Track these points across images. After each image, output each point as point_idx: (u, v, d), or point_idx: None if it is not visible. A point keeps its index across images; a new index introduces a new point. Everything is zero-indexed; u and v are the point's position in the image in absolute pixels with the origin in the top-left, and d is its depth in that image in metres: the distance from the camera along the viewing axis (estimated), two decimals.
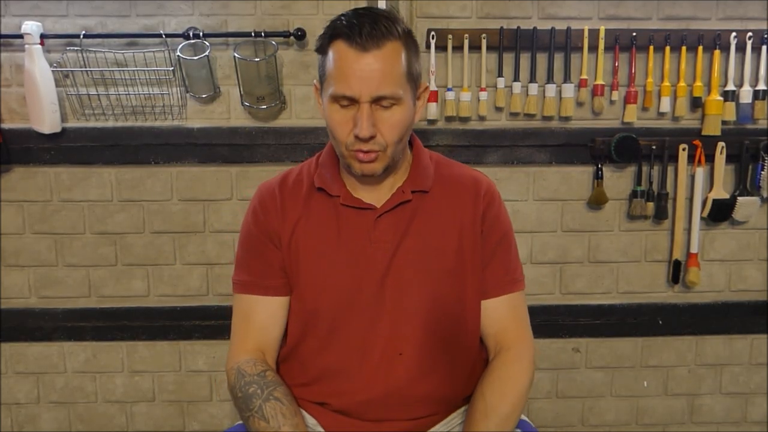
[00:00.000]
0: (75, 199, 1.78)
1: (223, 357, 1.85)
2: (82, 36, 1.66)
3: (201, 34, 1.66)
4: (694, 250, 1.82)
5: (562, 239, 1.85)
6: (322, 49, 0.98)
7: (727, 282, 1.89)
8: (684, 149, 1.76)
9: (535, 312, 1.82)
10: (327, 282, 1.04)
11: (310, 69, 1.74)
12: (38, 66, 1.63)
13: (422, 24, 1.72)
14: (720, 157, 1.77)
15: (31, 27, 1.62)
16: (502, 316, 1.07)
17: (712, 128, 1.76)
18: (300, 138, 1.75)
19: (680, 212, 1.81)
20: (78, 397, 1.88)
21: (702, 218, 1.83)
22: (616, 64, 1.74)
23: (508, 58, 1.74)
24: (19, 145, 1.73)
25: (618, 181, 1.82)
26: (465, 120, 1.77)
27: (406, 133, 1.00)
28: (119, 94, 1.73)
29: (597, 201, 1.79)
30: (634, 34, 1.72)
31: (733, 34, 1.72)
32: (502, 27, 1.71)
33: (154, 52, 1.68)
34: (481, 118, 1.77)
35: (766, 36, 1.73)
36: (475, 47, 1.72)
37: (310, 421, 1.07)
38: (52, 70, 1.67)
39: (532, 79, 1.74)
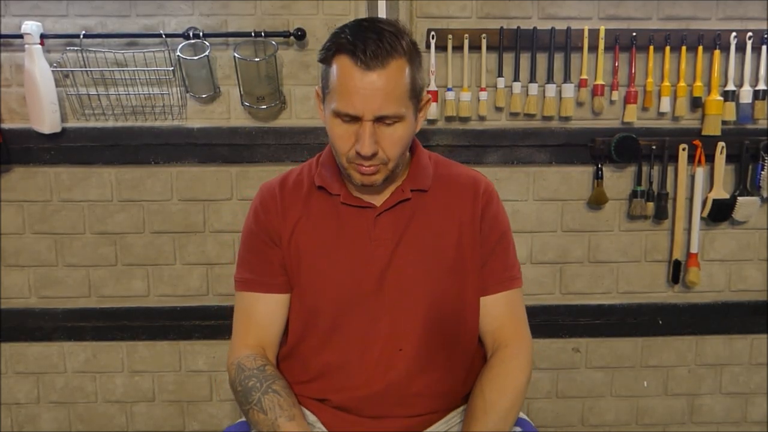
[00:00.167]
0: (75, 199, 1.79)
1: (223, 357, 1.86)
2: (82, 36, 1.66)
3: (201, 34, 1.67)
4: (694, 250, 1.82)
5: (562, 239, 1.85)
6: (325, 61, 0.97)
7: (727, 282, 1.89)
8: (684, 149, 1.76)
9: (535, 312, 1.84)
10: (327, 280, 1.05)
11: (310, 69, 1.74)
12: (38, 66, 1.63)
13: (422, 24, 1.73)
14: (720, 157, 1.77)
15: (31, 27, 1.62)
16: (499, 313, 1.08)
17: (712, 128, 1.76)
18: (300, 138, 1.75)
19: (680, 212, 1.81)
20: (78, 397, 1.88)
21: (702, 218, 1.83)
22: (616, 64, 1.74)
23: (508, 58, 1.74)
24: (19, 145, 1.73)
25: (618, 181, 1.82)
26: (465, 120, 1.77)
27: (407, 146, 1.02)
28: (119, 94, 1.73)
29: (597, 201, 1.80)
30: (634, 34, 1.72)
31: (733, 34, 1.72)
32: (502, 27, 1.71)
33: (154, 52, 1.68)
34: (481, 118, 1.77)
35: (766, 36, 1.73)
36: (475, 47, 1.72)
37: (311, 418, 1.07)
38: (52, 70, 1.67)
39: (532, 79, 1.74)
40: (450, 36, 1.70)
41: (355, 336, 1.04)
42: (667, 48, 1.73)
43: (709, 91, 1.76)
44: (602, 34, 1.71)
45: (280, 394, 0.99)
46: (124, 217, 1.80)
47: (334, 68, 0.95)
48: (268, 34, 1.67)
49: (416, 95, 0.99)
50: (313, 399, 1.08)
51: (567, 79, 1.74)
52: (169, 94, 1.73)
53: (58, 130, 1.70)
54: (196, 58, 1.66)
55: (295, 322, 1.08)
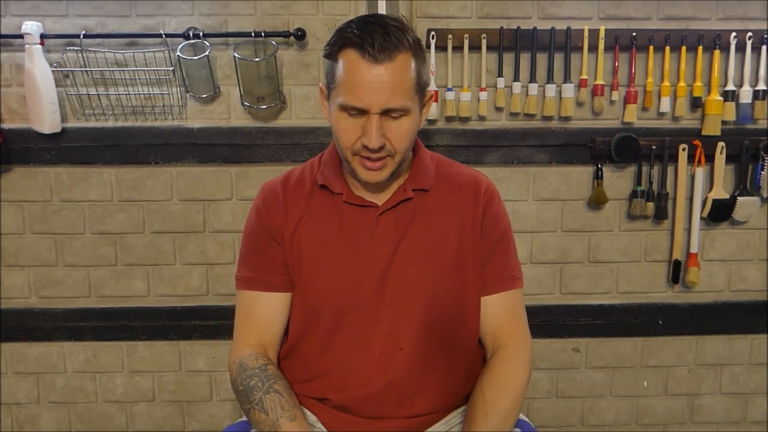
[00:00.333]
0: (75, 199, 1.79)
1: (223, 357, 1.86)
2: (82, 36, 1.66)
3: (201, 34, 1.67)
4: (694, 250, 1.82)
5: (562, 239, 1.85)
6: (331, 56, 0.97)
7: (727, 282, 1.89)
8: (684, 149, 1.76)
9: (535, 312, 1.84)
10: (328, 279, 1.05)
11: (310, 69, 1.74)
12: (38, 66, 1.63)
13: (422, 24, 1.73)
14: (720, 157, 1.77)
15: (31, 27, 1.62)
16: (499, 313, 1.08)
17: (712, 128, 1.76)
18: (300, 138, 1.75)
19: (680, 212, 1.81)
20: (78, 397, 1.88)
21: (702, 218, 1.83)
22: (616, 64, 1.75)
23: (508, 58, 1.74)
24: (19, 145, 1.73)
25: (618, 181, 1.82)
26: (465, 120, 1.77)
27: (413, 140, 1.02)
28: (119, 94, 1.73)
29: (597, 201, 1.80)
30: (634, 34, 1.72)
31: (733, 34, 1.72)
32: (502, 27, 1.71)
33: (154, 52, 1.68)
34: (481, 118, 1.78)
35: (766, 36, 1.73)
36: (475, 47, 1.72)
37: (311, 417, 1.08)
38: (52, 70, 1.67)
39: (532, 79, 1.74)
40: (450, 36, 1.70)
41: (356, 335, 1.04)
42: (667, 48, 1.73)
43: (709, 91, 1.76)
44: (602, 34, 1.71)
45: (282, 394, 0.99)
46: (124, 217, 1.80)
47: (341, 63, 0.95)
48: (268, 34, 1.67)
49: (421, 90, 0.99)
50: (314, 399, 1.08)
51: (567, 79, 1.74)
52: (169, 94, 1.73)
53: (58, 130, 1.70)
54: (196, 58, 1.66)
55: (296, 321, 1.08)
